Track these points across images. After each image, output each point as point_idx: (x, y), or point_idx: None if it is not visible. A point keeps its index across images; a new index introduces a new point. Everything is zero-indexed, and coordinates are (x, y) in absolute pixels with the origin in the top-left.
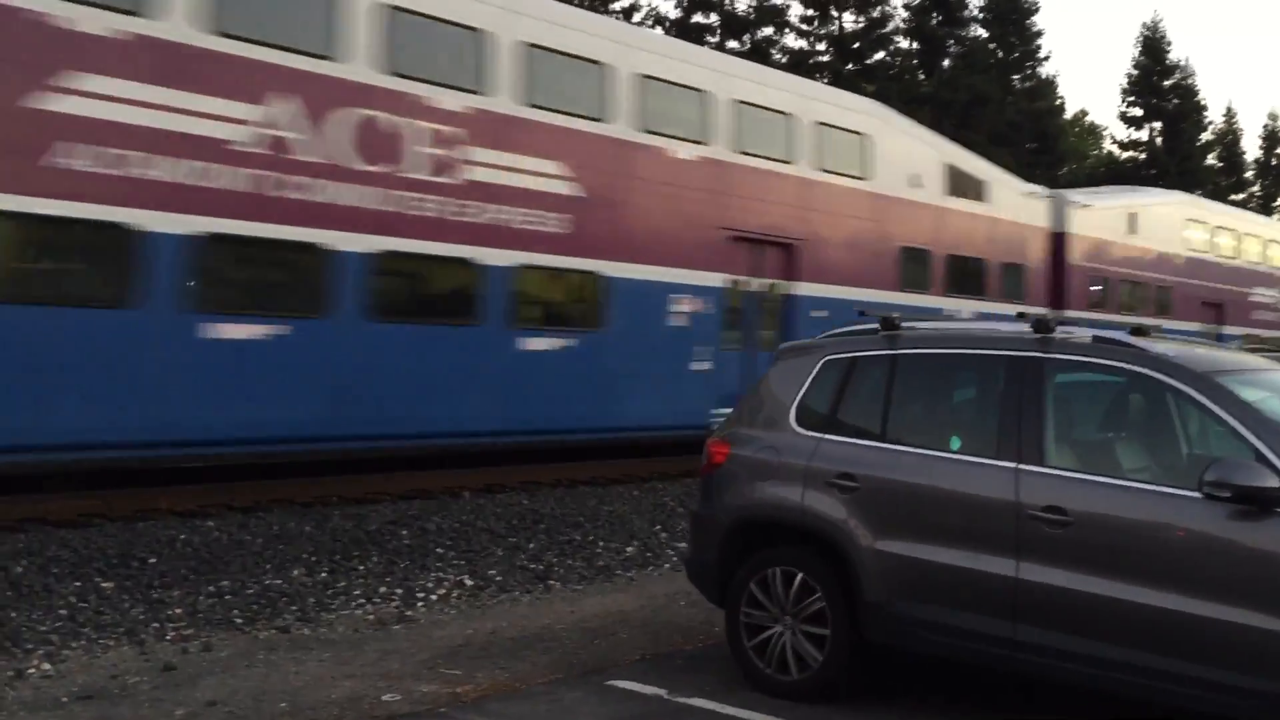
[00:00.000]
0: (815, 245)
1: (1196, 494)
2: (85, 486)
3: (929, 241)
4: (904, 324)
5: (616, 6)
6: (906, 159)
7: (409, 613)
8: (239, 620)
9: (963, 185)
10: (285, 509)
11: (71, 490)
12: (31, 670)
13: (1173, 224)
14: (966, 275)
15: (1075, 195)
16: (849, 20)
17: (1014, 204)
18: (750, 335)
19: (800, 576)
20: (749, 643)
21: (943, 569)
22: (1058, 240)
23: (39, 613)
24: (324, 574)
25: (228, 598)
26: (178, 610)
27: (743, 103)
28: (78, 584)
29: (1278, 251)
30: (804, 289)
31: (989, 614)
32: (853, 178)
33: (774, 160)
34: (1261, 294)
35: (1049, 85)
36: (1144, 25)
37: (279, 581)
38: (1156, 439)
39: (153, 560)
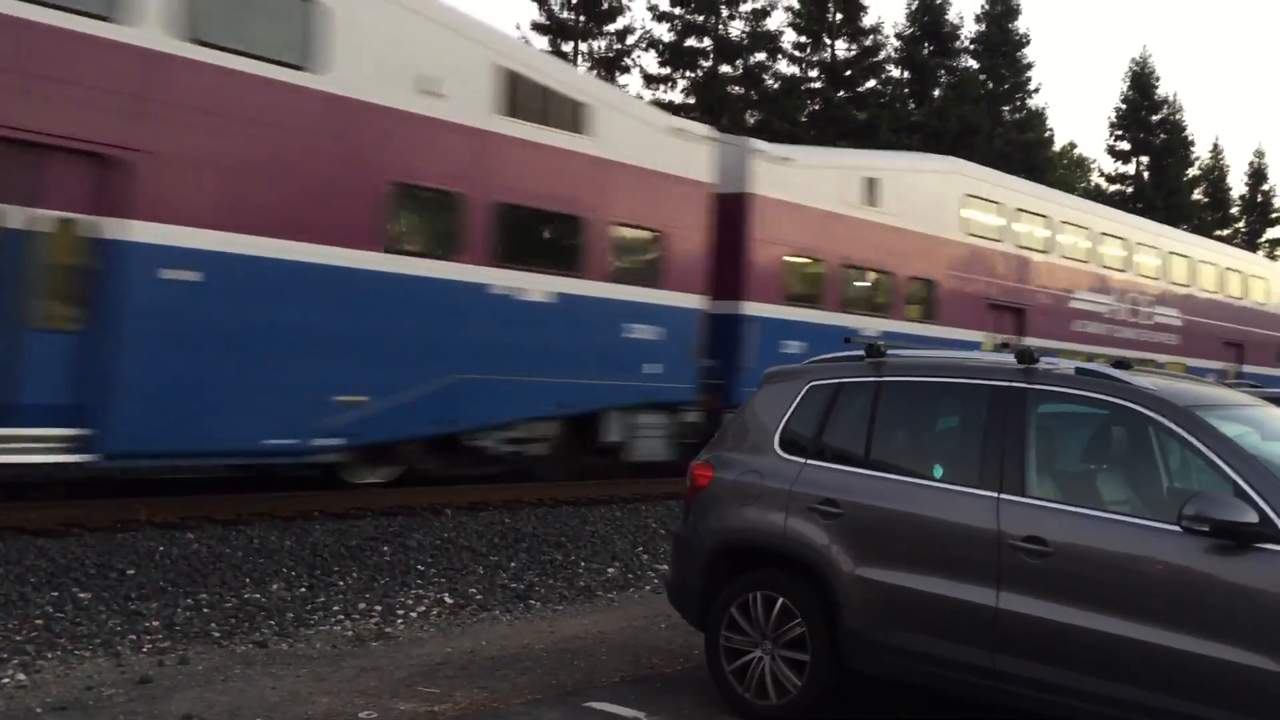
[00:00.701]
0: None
1: (1176, 527)
2: (65, 496)
3: (461, 183)
4: (889, 351)
5: (610, 28)
6: (407, 45)
7: (388, 629)
8: (216, 634)
9: (535, 103)
10: (266, 522)
11: (51, 499)
12: (5, 680)
13: (942, 199)
14: (543, 240)
15: (775, 147)
16: (841, 48)
17: (643, 143)
18: None
19: (781, 601)
20: (729, 666)
21: (923, 597)
22: (734, 205)
23: (14, 622)
24: (303, 589)
25: (206, 611)
26: (155, 622)
27: None
28: (55, 594)
29: (1117, 246)
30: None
31: (969, 643)
32: (283, 66)
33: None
34: (1087, 298)
35: (1039, 117)
36: (1133, 60)
37: (258, 595)
38: (1138, 472)
39: (131, 571)
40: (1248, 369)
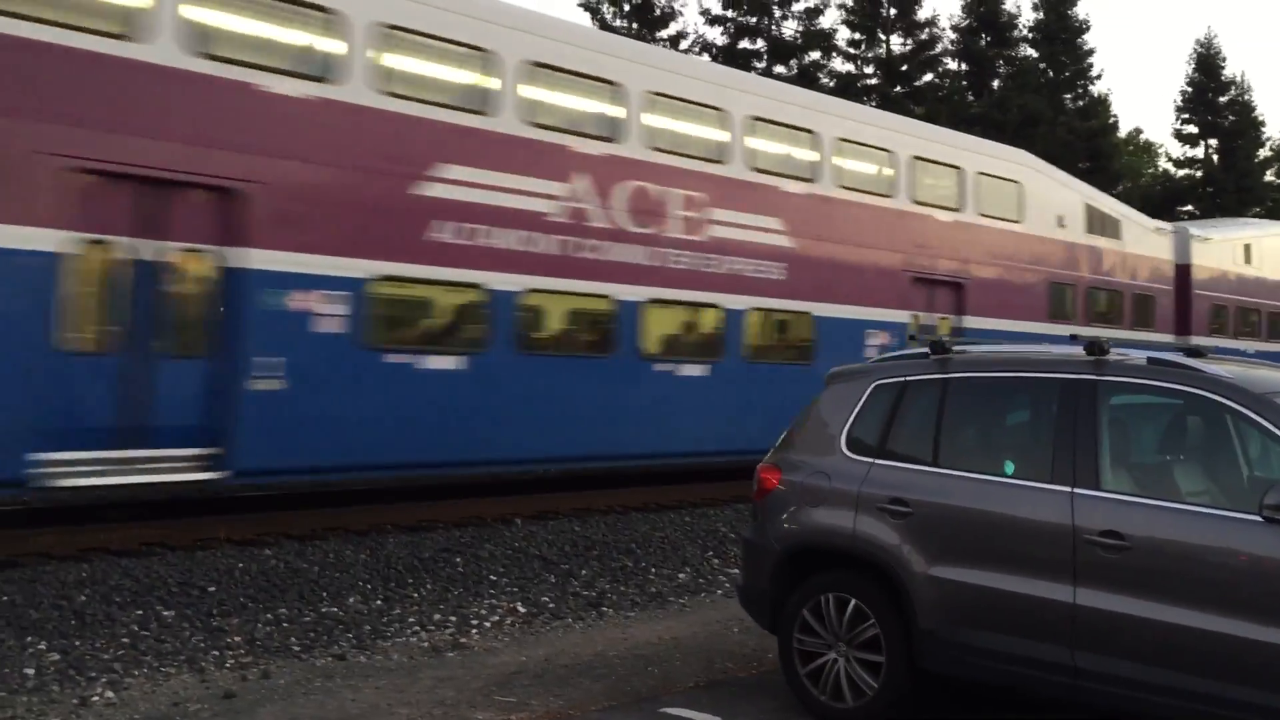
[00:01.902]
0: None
1: (1258, 517)
2: (146, 517)
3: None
4: (955, 348)
5: (663, 34)
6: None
7: (463, 640)
8: (296, 648)
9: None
10: (341, 537)
11: (133, 520)
12: (95, 698)
13: None
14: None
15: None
16: (896, 43)
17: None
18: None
19: (854, 603)
20: (803, 670)
21: (998, 595)
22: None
23: (102, 641)
24: (379, 601)
25: (285, 625)
26: (237, 638)
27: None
28: (139, 612)
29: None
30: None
31: (1047, 641)
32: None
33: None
34: None
35: (1101, 103)
36: (1197, 41)
37: (335, 609)
38: (1215, 462)
39: (212, 589)
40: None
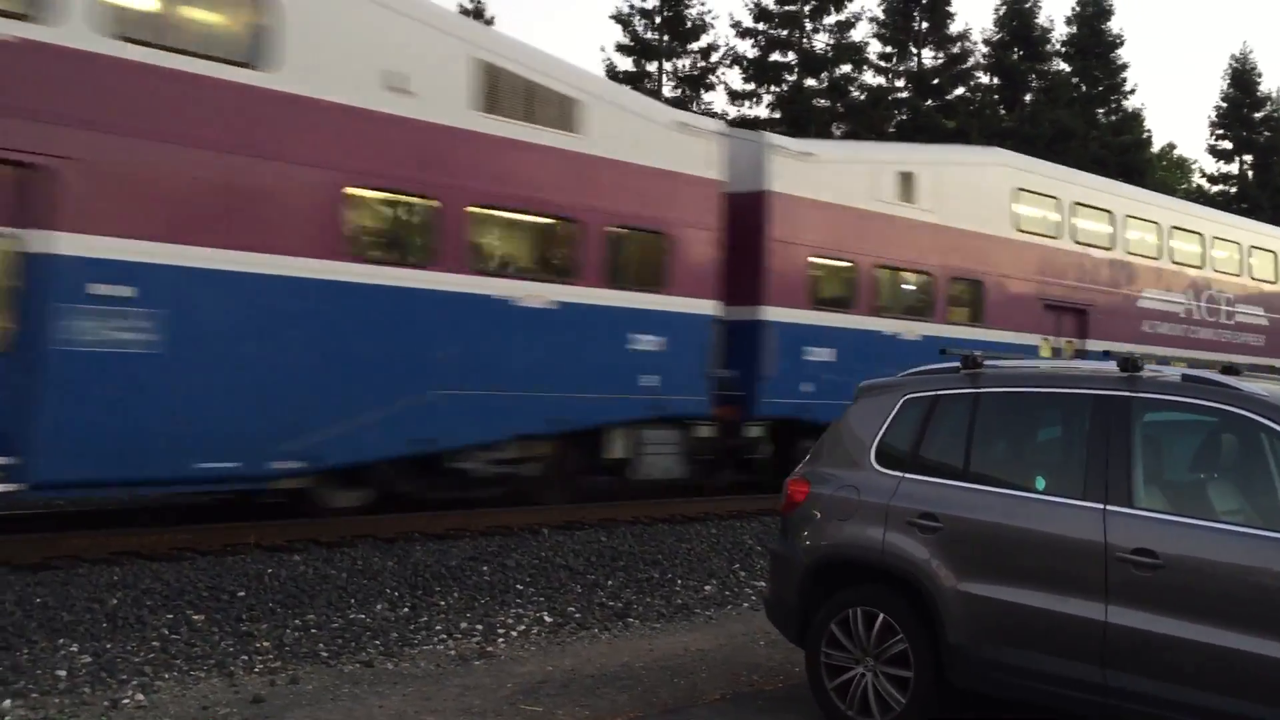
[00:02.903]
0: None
1: None
2: (177, 521)
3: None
4: (986, 362)
5: (694, 46)
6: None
7: (489, 648)
8: (324, 654)
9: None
10: (368, 544)
11: (163, 524)
12: (126, 700)
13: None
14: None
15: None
16: (928, 56)
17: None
18: None
19: (882, 617)
20: (830, 684)
21: (1028, 612)
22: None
23: (133, 644)
24: (406, 609)
25: (313, 631)
26: (265, 643)
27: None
28: (169, 616)
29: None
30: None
31: (1077, 659)
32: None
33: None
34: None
35: (1135, 118)
36: (1232, 57)
37: (363, 616)
38: (1250, 480)
39: (241, 594)
40: None
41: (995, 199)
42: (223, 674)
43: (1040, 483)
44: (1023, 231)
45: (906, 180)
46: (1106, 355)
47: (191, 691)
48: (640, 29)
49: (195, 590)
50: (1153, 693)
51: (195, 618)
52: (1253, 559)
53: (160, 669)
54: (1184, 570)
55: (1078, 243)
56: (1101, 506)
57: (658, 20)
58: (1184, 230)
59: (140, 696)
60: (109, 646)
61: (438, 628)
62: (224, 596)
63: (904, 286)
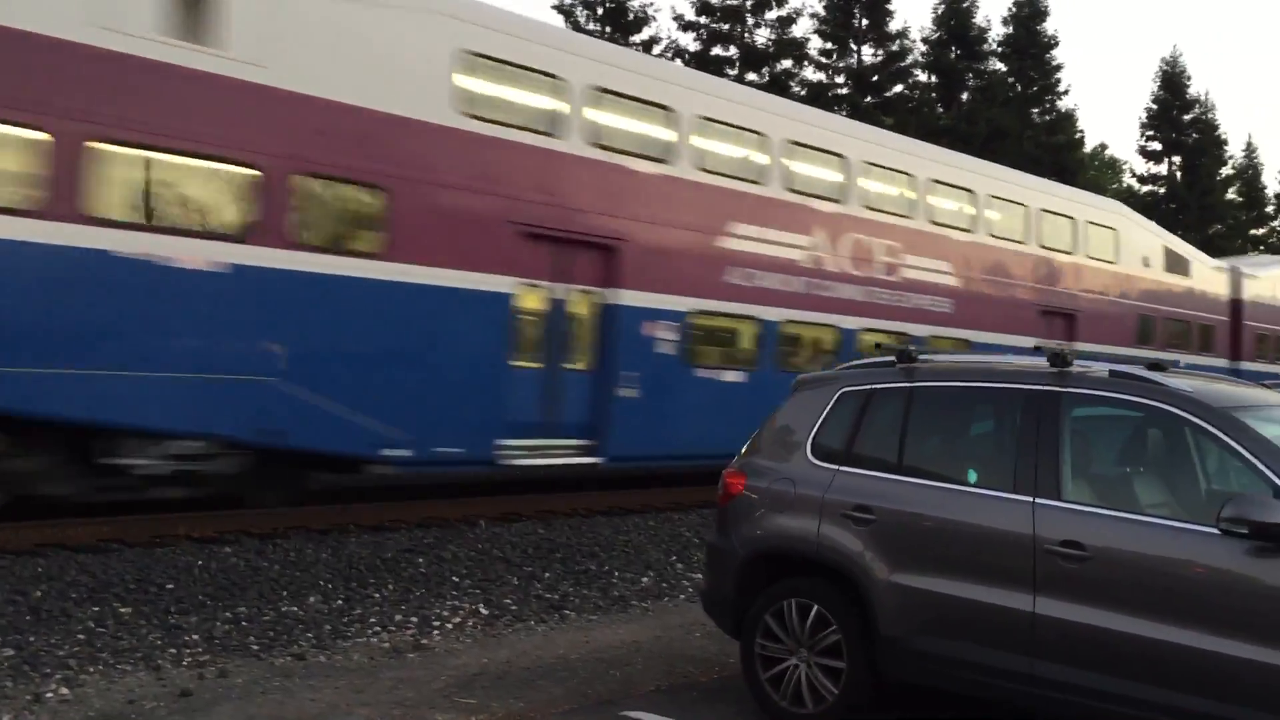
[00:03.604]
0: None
1: (1214, 530)
2: (104, 512)
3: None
4: (921, 357)
5: (636, 39)
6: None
7: (424, 641)
8: (255, 647)
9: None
10: (301, 536)
11: (91, 516)
12: (49, 694)
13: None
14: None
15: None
16: (868, 53)
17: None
18: None
19: (816, 609)
20: (764, 675)
21: (959, 603)
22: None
23: (57, 637)
24: (340, 601)
25: (244, 624)
26: (194, 636)
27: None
28: (96, 609)
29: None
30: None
31: (1006, 649)
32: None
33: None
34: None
35: (1068, 119)
36: (1163, 60)
37: (295, 608)
38: (1174, 474)
39: (170, 586)
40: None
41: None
42: (150, 667)
43: (972, 476)
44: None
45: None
46: (1037, 350)
47: (117, 685)
48: (582, 19)
49: (123, 583)
50: (1079, 682)
51: (122, 610)
52: (1176, 551)
53: (85, 662)
54: (1110, 562)
55: (602, 146)
56: (1031, 499)
57: (600, 11)
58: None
59: (64, 690)
60: (32, 640)
61: (372, 620)
62: (152, 589)
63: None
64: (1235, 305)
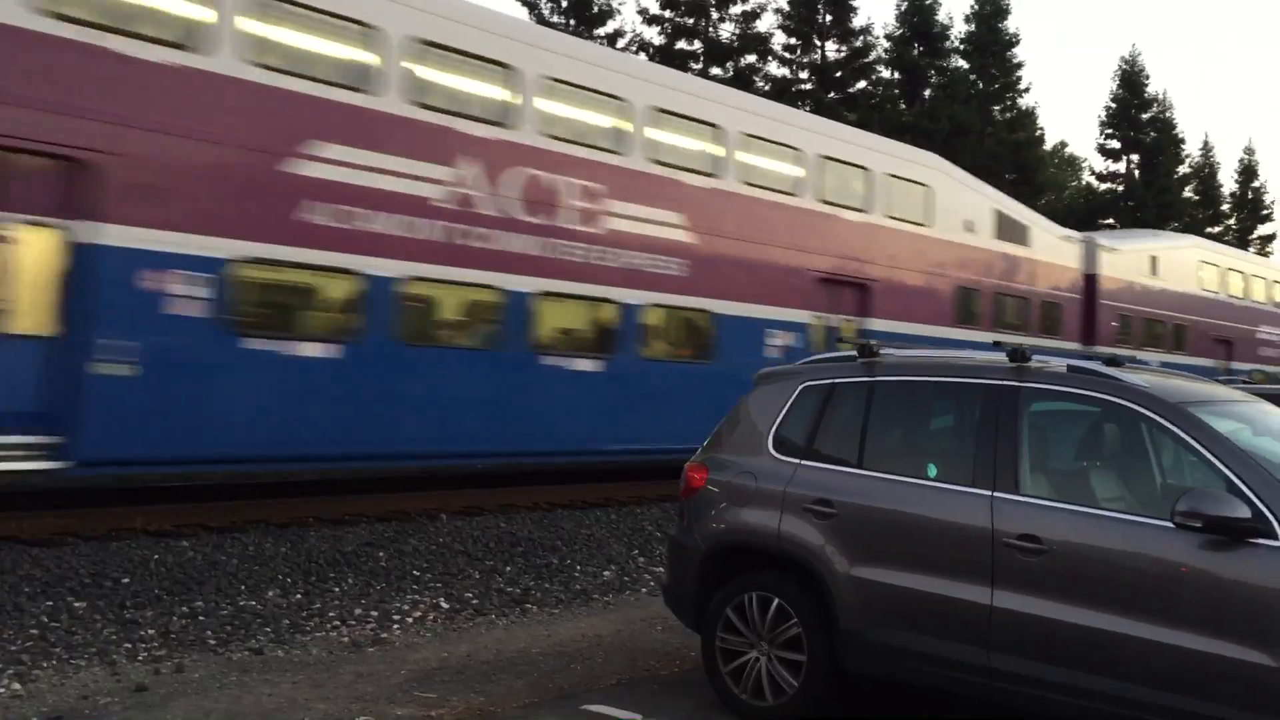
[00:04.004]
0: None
1: (1169, 524)
2: (59, 505)
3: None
4: (883, 351)
5: (600, 32)
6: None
7: (384, 635)
8: (212, 641)
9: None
10: (261, 530)
11: (45, 508)
12: (1, 690)
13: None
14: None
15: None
16: (831, 49)
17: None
18: None
19: (776, 602)
20: (725, 668)
21: (918, 596)
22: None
23: (9, 632)
24: (299, 595)
25: (201, 619)
26: (150, 631)
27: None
28: (49, 603)
29: None
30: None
31: (964, 642)
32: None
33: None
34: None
35: (1029, 116)
36: (1122, 59)
37: (254, 603)
38: (1130, 469)
39: (126, 580)
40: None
41: None
42: (104, 662)
43: (932, 470)
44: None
45: None
46: (997, 345)
47: (71, 680)
48: (546, 12)
49: (77, 576)
50: (1035, 674)
51: (76, 605)
52: (1132, 545)
53: (39, 657)
54: (1066, 555)
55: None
56: (989, 493)
57: (564, 4)
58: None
59: (16, 685)
60: None
61: (331, 614)
62: (107, 583)
63: None
64: (1090, 281)
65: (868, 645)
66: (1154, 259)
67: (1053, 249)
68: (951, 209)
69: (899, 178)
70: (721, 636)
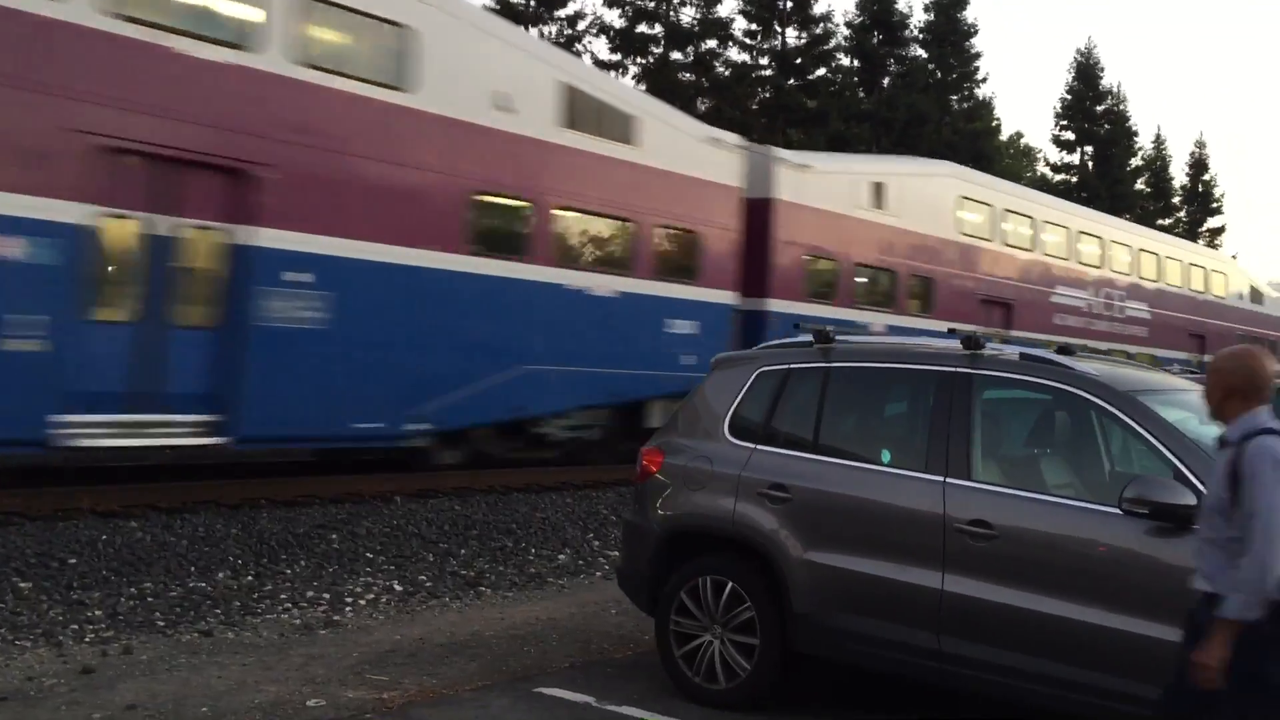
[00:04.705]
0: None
1: (1117, 510)
2: (4, 484)
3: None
4: (838, 337)
5: (561, 14)
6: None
7: (336, 617)
8: (161, 623)
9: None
10: (211, 511)
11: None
12: None
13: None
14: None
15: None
16: (792, 36)
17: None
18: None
19: (730, 586)
20: (678, 651)
21: (871, 581)
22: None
23: None
24: (250, 577)
25: (150, 600)
26: (98, 612)
27: None
28: None
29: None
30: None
31: (915, 626)
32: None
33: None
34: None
35: (986, 106)
36: (1078, 51)
37: (203, 584)
38: (1080, 456)
39: (73, 561)
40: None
41: None
42: (50, 644)
43: (886, 456)
44: None
45: None
46: (952, 333)
47: (16, 662)
48: None
49: (23, 557)
50: (984, 658)
51: (22, 585)
52: (1080, 530)
53: None
54: (1016, 541)
55: None
56: (941, 479)
57: None
58: None
59: None
60: None
61: (283, 596)
62: (54, 564)
63: None
64: (760, 209)
65: (820, 629)
66: (878, 186)
67: (686, 156)
68: (458, 70)
69: (340, 5)
70: (675, 620)
